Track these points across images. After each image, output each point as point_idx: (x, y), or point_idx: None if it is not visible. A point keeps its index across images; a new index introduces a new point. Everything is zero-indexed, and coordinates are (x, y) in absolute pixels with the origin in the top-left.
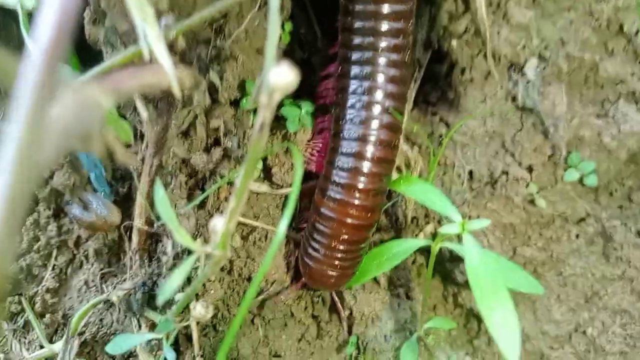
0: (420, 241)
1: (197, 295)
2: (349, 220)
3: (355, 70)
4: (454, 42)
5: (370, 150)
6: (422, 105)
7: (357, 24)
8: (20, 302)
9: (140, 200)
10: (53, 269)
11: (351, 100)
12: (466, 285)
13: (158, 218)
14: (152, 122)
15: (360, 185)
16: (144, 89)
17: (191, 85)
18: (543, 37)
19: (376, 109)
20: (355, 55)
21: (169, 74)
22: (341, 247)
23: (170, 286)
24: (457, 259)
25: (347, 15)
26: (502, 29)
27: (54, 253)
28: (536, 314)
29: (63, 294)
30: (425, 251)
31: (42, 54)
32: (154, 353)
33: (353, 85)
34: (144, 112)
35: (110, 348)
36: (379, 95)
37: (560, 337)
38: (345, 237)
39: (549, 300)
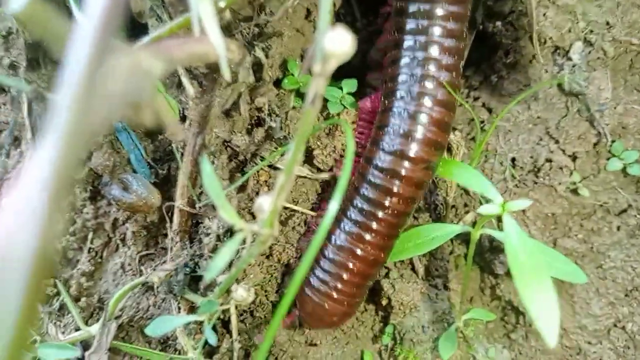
0: (460, 227)
1: (236, 280)
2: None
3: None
4: (499, 24)
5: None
6: (463, 89)
7: None
8: (55, 285)
9: (182, 180)
10: (89, 252)
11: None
12: (505, 276)
13: (200, 199)
14: (197, 100)
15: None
16: (192, 59)
17: (238, 58)
18: (589, 20)
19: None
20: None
21: (218, 45)
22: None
23: (216, 265)
24: (496, 250)
25: None
26: (548, 11)
27: (90, 236)
28: (574, 308)
29: (98, 278)
30: (464, 242)
31: (95, 20)
32: (192, 337)
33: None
34: (190, 88)
35: (150, 330)
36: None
37: (598, 331)
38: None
39: (588, 294)
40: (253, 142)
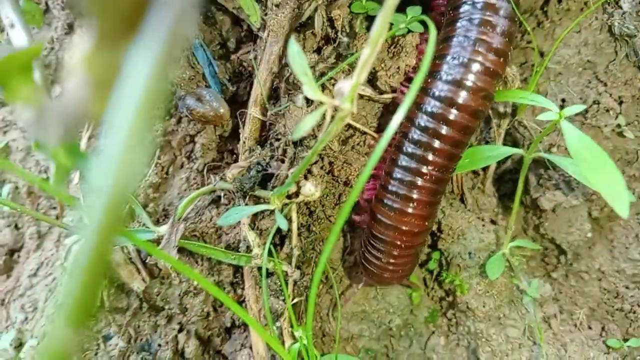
0: (513, 149)
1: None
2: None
3: None
4: None
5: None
6: (517, 35)
7: None
8: None
9: (257, 88)
10: (156, 166)
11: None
12: (550, 213)
13: (271, 107)
14: (276, 9)
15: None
16: None
17: None
18: None
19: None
20: None
21: None
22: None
23: (302, 127)
24: (543, 187)
25: None
26: None
27: (157, 152)
28: (613, 253)
29: (164, 191)
30: (511, 180)
31: None
32: (259, 236)
33: None
34: None
35: (222, 220)
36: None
37: (637, 276)
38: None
39: (627, 239)
40: (322, 60)
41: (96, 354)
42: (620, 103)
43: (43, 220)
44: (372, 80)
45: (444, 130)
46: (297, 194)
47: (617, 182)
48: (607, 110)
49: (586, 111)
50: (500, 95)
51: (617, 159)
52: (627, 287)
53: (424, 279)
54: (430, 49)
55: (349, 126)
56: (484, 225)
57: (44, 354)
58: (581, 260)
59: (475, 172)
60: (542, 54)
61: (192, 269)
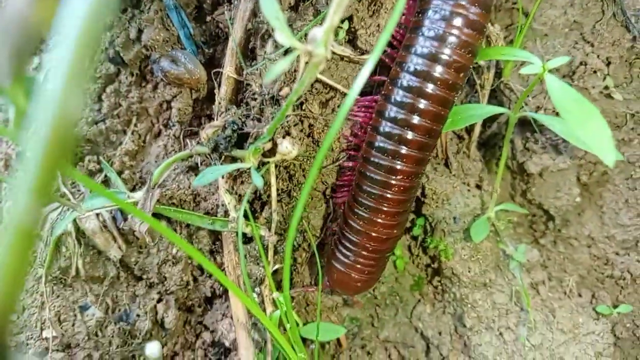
0: (499, 108)
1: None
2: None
3: None
4: None
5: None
6: None
7: None
8: (98, 162)
9: (231, 46)
10: (132, 134)
11: None
12: (537, 177)
13: (248, 65)
14: None
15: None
16: None
17: None
18: None
19: None
20: None
21: None
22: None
23: (274, 71)
24: (529, 150)
25: None
26: None
27: (134, 120)
28: (603, 219)
29: (141, 159)
30: (496, 146)
31: None
32: (235, 198)
33: None
34: None
35: (197, 181)
36: None
37: (627, 242)
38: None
39: (617, 204)
40: (300, 18)
41: (73, 324)
42: (608, 64)
43: None
44: (352, 40)
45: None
46: (274, 152)
47: (603, 132)
48: (595, 72)
49: (573, 72)
50: (483, 53)
51: (607, 123)
52: (617, 254)
53: (408, 246)
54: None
55: (330, 88)
56: (469, 190)
57: None
58: (570, 226)
59: (459, 136)
60: (527, 15)
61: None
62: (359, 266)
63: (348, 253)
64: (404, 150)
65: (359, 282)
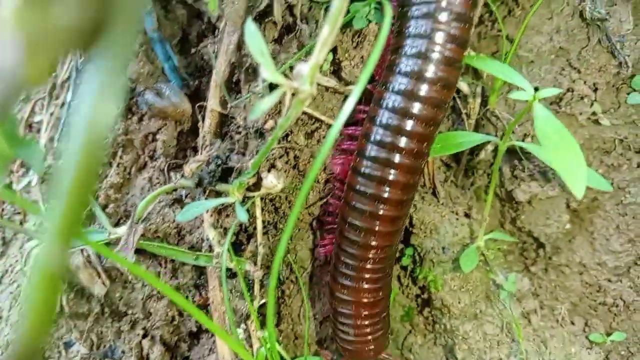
0: (487, 137)
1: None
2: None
3: None
4: None
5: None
6: (487, 23)
7: None
8: None
9: (215, 80)
10: (118, 166)
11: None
12: (526, 205)
13: (232, 99)
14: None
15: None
16: None
17: None
18: None
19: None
20: None
21: None
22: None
23: (259, 108)
24: (518, 177)
25: None
26: None
27: (119, 152)
28: (594, 245)
29: (126, 192)
30: (485, 173)
31: None
32: (220, 234)
33: None
34: None
35: (181, 216)
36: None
37: (618, 269)
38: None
39: (608, 230)
40: (284, 50)
41: None
42: (595, 90)
43: (6, 226)
44: (337, 71)
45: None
46: (258, 187)
47: (578, 164)
48: (582, 98)
49: (560, 99)
50: (472, 59)
51: (595, 148)
52: (609, 280)
53: (398, 276)
54: (385, 31)
55: (315, 119)
56: (457, 219)
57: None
58: (561, 253)
59: (447, 165)
60: (512, 42)
61: (155, 271)
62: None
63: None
64: (391, 176)
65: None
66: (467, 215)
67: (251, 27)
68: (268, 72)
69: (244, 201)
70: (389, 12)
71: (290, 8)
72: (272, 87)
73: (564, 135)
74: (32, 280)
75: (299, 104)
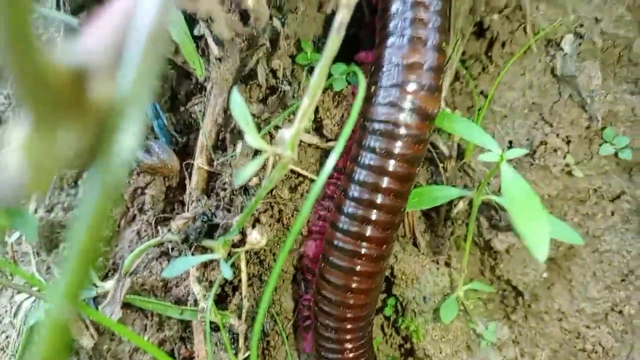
0: (463, 191)
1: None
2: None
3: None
4: (495, 17)
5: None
6: (463, 80)
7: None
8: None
9: (202, 140)
10: (107, 219)
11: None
12: (504, 254)
13: (218, 157)
14: (219, 62)
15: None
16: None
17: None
18: (579, 15)
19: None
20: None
21: None
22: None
23: (244, 174)
24: (495, 227)
25: None
26: (541, 4)
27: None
28: (573, 292)
29: (114, 245)
30: (464, 223)
31: None
32: (205, 289)
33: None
34: (214, 48)
35: (166, 272)
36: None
37: (597, 315)
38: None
39: (585, 277)
40: (267, 110)
41: None
42: (568, 142)
43: None
44: (318, 128)
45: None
46: (243, 242)
47: (541, 228)
48: (555, 150)
49: (534, 152)
50: (446, 124)
51: (570, 198)
52: (587, 327)
53: (381, 325)
54: (355, 109)
55: (298, 174)
56: (438, 269)
57: None
58: (540, 301)
59: (427, 215)
60: (486, 97)
61: (142, 324)
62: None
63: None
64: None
65: None
66: (447, 264)
67: (237, 97)
68: (252, 139)
69: (229, 255)
70: (362, 82)
71: (273, 71)
72: (257, 153)
73: (530, 197)
74: (42, 335)
75: (281, 168)
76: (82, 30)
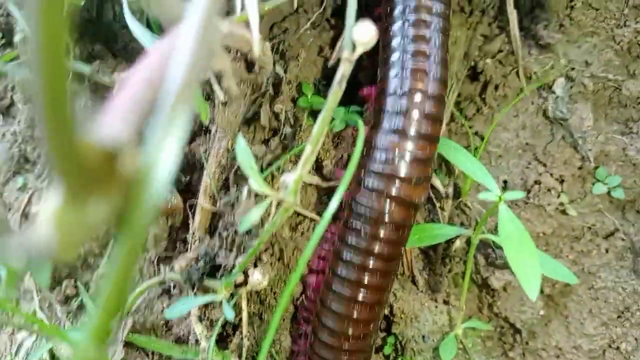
0: (461, 229)
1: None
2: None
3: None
4: (489, 61)
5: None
6: (458, 121)
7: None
8: (75, 287)
9: (206, 180)
10: (109, 257)
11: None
12: (502, 292)
13: (221, 197)
14: (224, 107)
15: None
16: (230, 42)
17: (268, 62)
18: (569, 59)
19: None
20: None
21: (255, 37)
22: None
23: (248, 220)
24: (492, 265)
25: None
26: (532, 49)
27: (111, 242)
28: (569, 329)
29: None
30: (462, 261)
31: None
32: (207, 329)
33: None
34: (220, 93)
35: (168, 313)
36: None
37: (594, 352)
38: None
39: (582, 314)
40: (270, 152)
41: None
42: (562, 182)
43: None
44: (319, 168)
45: None
46: (245, 282)
47: (534, 269)
48: (549, 190)
49: (528, 191)
50: (446, 148)
51: (564, 236)
52: None
53: None
54: (359, 147)
55: (298, 213)
56: (436, 307)
57: None
58: (537, 337)
59: (425, 253)
60: (482, 138)
61: None
62: None
63: None
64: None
65: None
66: (445, 302)
67: (241, 142)
68: (256, 184)
69: (231, 296)
70: (362, 132)
71: (276, 114)
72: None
73: (524, 239)
74: None
75: (284, 212)
76: (108, 100)
